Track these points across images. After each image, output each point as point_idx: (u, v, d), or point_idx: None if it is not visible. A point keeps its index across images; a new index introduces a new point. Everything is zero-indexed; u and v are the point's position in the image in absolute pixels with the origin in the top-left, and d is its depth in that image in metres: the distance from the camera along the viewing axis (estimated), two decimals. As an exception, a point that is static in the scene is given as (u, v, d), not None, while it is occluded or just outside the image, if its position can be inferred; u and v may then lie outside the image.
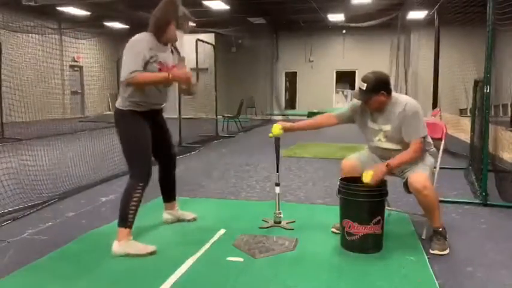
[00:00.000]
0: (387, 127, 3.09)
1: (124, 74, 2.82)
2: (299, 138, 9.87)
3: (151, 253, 2.87)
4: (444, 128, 3.43)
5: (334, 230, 3.29)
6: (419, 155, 3.07)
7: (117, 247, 2.87)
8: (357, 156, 3.32)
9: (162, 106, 3.23)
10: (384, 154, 3.18)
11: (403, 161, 3.01)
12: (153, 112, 3.11)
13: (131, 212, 2.90)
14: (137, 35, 2.96)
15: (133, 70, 2.81)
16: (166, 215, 3.58)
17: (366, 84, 3.02)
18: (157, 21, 2.96)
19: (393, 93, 3.10)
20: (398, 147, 3.10)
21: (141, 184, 2.92)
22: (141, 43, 2.90)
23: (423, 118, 3.08)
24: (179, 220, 3.58)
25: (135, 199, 2.90)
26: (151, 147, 3.04)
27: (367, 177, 2.91)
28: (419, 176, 2.94)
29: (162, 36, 2.98)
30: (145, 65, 2.87)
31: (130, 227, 2.92)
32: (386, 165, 2.97)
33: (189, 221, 3.58)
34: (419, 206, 3.05)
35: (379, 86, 3.02)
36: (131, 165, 2.98)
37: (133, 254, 2.84)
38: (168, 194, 3.54)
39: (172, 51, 3.15)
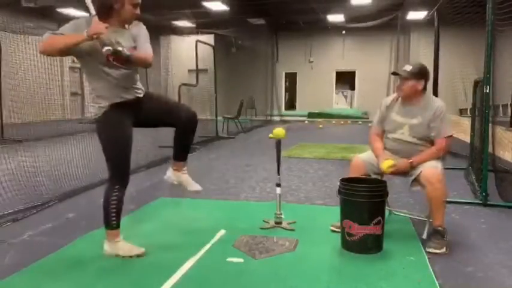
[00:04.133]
0: (416, 120, 3.17)
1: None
2: (300, 139, 9.89)
3: (139, 255, 2.84)
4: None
5: (333, 228, 3.29)
6: (443, 153, 3.17)
7: (107, 247, 2.88)
8: (366, 156, 3.34)
9: (138, 91, 2.91)
10: (403, 148, 3.22)
11: (426, 158, 3.10)
12: (132, 101, 2.86)
13: (113, 213, 2.82)
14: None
15: (50, 32, 2.55)
16: (169, 173, 3.28)
17: (411, 67, 3.18)
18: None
19: (427, 92, 3.25)
20: (419, 141, 3.18)
21: (116, 186, 2.82)
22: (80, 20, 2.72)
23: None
24: (180, 184, 3.28)
25: (114, 201, 2.81)
26: (129, 148, 2.87)
27: (387, 164, 3.05)
28: (433, 169, 3.01)
29: (112, 18, 2.71)
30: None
31: (116, 228, 2.86)
32: (411, 162, 3.08)
33: (190, 192, 3.32)
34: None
35: (422, 74, 3.18)
36: (108, 168, 2.85)
37: (122, 256, 2.82)
38: (178, 154, 3.26)
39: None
